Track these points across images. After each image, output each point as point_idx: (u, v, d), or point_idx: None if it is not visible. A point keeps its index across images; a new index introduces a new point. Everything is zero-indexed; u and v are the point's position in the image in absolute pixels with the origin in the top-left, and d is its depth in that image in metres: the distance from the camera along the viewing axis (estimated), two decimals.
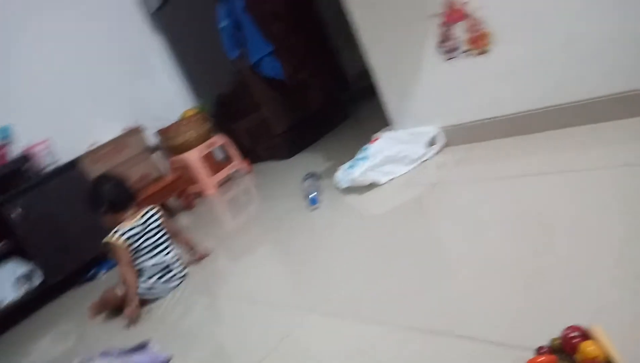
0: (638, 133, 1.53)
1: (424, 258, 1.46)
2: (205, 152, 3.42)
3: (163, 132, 3.39)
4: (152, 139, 3.50)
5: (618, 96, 1.62)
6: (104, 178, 2.19)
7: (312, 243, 1.92)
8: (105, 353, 1.66)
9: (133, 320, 1.90)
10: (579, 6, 1.59)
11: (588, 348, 0.85)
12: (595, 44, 1.61)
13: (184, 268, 2.13)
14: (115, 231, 2.00)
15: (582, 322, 0.92)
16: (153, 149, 3.45)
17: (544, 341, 0.94)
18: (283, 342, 1.36)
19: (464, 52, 1.88)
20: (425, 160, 2.11)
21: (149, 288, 2.01)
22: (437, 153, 2.12)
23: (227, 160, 3.63)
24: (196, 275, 2.12)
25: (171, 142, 3.38)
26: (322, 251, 1.81)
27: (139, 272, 2.02)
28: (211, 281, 2.03)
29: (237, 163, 3.54)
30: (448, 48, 1.92)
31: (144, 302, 2.01)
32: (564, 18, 1.63)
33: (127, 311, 1.92)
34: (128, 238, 1.99)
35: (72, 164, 2.91)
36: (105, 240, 2.00)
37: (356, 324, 1.30)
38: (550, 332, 0.94)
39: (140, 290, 1.99)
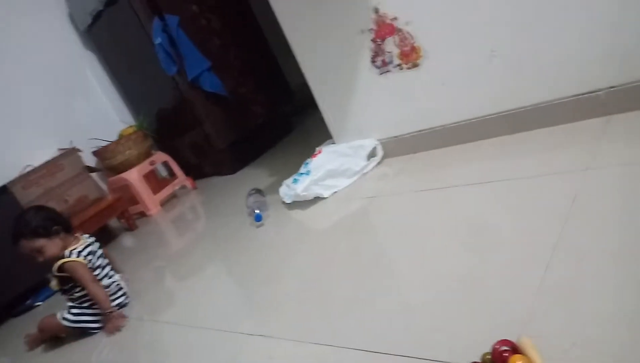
0: (567, 140, 1.60)
1: (365, 274, 1.47)
2: (147, 170, 3.32)
3: (100, 153, 3.27)
4: (89, 159, 3.36)
5: (543, 106, 1.69)
6: (35, 207, 2.08)
7: (257, 262, 1.89)
8: None
9: (118, 329, 1.86)
10: (503, 20, 1.65)
11: (517, 362, 0.87)
12: (518, 57, 1.68)
13: (125, 294, 2.04)
14: (71, 252, 1.89)
15: (513, 333, 0.95)
16: (91, 170, 3.32)
17: (476, 357, 0.96)
18: None
19: (397, 66, 1.92)
20: (366, 172, 2.13)
21: (79, 320, 1.92)
22: (377, 164, 2.15)
23: (171, 177, 3.54)
24: (140, 299, 2.05)
25: (110, 162, 3.27)
26: (268, 269, 1.79)
27: (80, 299, 1.93)
28: (155, 306, 1.96)
29: (181, 180, 3.46)
30: (381, 62, 1.95)
31: (81, 330, 1.93)
32: (489, 32, 1.69)
33: (110, 326, 1.87)
34: (87, 255, 1.92)
35: (3, 190, 2.75)
36: (61, 261, 1.87)
37: (300, 345, 1.28)
38: (482, 347, 0.96)
39: (67, 320, 1.92)
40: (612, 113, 1.58)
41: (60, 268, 1.88)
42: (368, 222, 1.81)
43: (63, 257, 1.88)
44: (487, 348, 0.95)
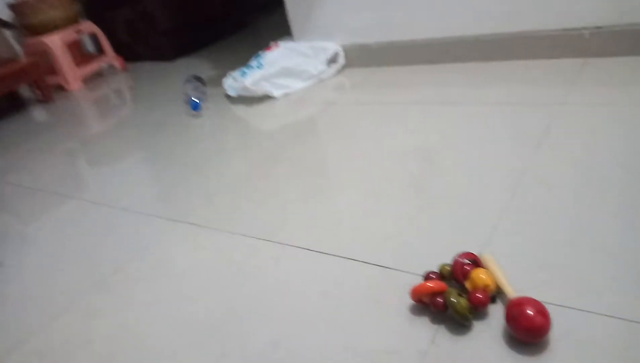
0: (544, 76, 1.52)
1: (310, 179, 1.34)
2: (71, 38, 2.91)
3: (19, 7, 2.80)
4: (2, 12, 2.88)
5: (524, 35, 1.59)
6: None
7: (188, 153, 1.70)
8: None
9: None
10: None
11: (479, 275, 0.80)
12: None
13: None
14: None
15: (473, 251, 0.87)
16: (4, 25, 2.85)
17: (433, 268, 0.87)
18: (147, 251, 1.17)
19: None
20: (324, 79, 1.96)
21: None
22: (337, 72, 1.98)
23: (98, 53, 3.15)
24: (46, 174, 1.80)
25: (29, 19, 2.82)
26: (198, 161, 1.61)
27: None
28: (65, 184, 1.73)
29: (110, 58, 3.08)
30: None
31: None
32: None
33: None
34: None
35: None
36: None
37: (229, 236, 1.15)
38: (439, 259, 0.88)
39: None
40: (593, 55, 1.51)
41: None
42: (317, 129, 1.67)
43: None
44: (446, 260, 0.87)
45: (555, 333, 0.72)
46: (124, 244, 1.24)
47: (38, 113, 2.74)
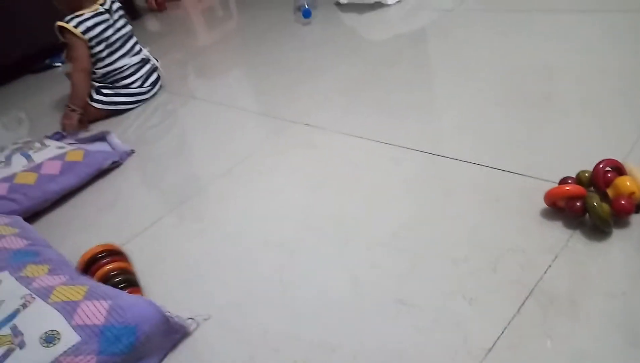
0: None
1: (427, 85, 1.30)
2: None
3: None
4: None
5: None
6: None
7: (299, 59, 1.71)
8: (59, 136, 1.49)
9: (69, 132, 1.53)
10: None
11: (625, 183, 0.75)
12: None
13: (156, 72, 1.76)
14: (73, 18, 1.56)
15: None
16: None
17: (569, 174, 0.83)
18: (262, 146, 1.23)
19: None
20: None
21: (112, 101, 1.65)
22: None
23: None
24: (167, 85, 1.88)
25: None
26: (311, 66, 1.61)
27: (102, 78, 1.65)
28: (184, 86, 1.82)
29: None
30: None
31: (107, 113, 1.66)
32: None
33: (65, 121, 1.57)
34: (89, 29, 1.56)
35: None
36: (59, 23, 1.56)
37: (345, 138, 1.16)
38: (575, 168, 0.83)
39: (99, 102, 1.64)
40: None
41: (61, 31, 1.58)
42: (433, 37, 1.59)
43: (64, 19, 1.57)
44: (583, 167, 0.82)
45: None
46: (244, 140, 1.30)
47: (151, 22, 2.86)
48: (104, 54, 1.62)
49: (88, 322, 0.60)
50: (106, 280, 0.80)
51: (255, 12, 2.39)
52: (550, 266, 0.71)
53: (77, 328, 0.60)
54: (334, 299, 0.76)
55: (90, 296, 0.65)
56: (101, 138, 1.43)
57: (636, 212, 0.75)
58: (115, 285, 0.78)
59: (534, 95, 1.11)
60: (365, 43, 1.69)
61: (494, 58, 1.32)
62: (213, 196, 1.11)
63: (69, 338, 0.59)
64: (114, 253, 0.88)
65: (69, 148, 1.32)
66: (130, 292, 0.79)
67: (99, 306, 0.62)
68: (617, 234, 0.73)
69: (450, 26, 1.59)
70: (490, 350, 0.63)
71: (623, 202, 0.73)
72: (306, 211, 0.97)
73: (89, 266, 0.85)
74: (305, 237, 0.90)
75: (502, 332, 0.64)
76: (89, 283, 0.71)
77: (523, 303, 0.67)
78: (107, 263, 0.84)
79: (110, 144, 1.39)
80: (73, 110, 1.58)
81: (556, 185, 0.81)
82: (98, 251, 0.87)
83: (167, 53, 2.09)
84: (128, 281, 0.83)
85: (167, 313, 0.68)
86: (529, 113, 1.05)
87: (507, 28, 1.45)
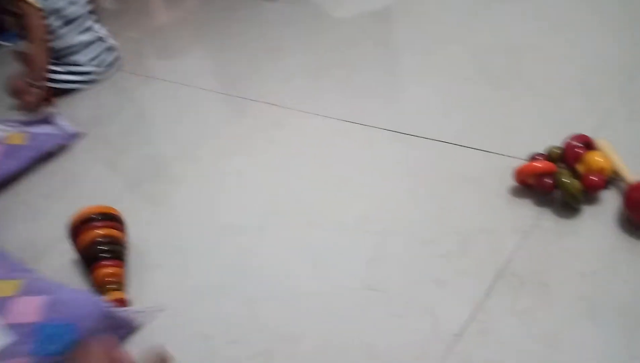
0: None
1: (395, 63, 1.26)
2: None
3: None
4: None
5: None
6: None
7: (261, 37, 1.64)
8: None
9: (30, 110, 1.40)
10: None
11: (595, 158, 0.73)
12: None
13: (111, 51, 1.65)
14: None
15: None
16: None
17: (539, 150, 0.81)
18: (225, 126, 1.17)
19: None
20: None
21: (62, 79, 1.53)
22: None
23: None
24: (123, 65, 1.77)
25: None
26: (274, 45, 1.55)
27: (61, 52, 1.53)
28: (143, 68, 1.72)
29: None
30: None
31: (58, 92, 1.52)
32: None
33: (26, 98, 1.40)
34: None
35: None
36: None
37: (311, 117, 1.12)
38: (545, 144, 0.81)
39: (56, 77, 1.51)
40: None
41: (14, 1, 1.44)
42: (400, 13, 1.54)
43: None
44: (553, 143, 0.80)
45: None
46: (205, 120, 1.24)
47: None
48: (58, 28, 1.51)
49: (22, 320, 0.54)
50: (90, 245, 0.76)
51: None
52: (520, 246, 0.69)
53: (9, 327, 0.54)
54: (299, 286, 0.72)
55: (24, 291, 0.59)
56: (47, 119, 1.33)
57: (606, 188, 0.73)
58: (96, 254, 0.74)
59: (503, 73, 1.09)
60: (331, 21, 1.64)
61: (463, 37, 1.29)
62: (172, 179, 1.05)
63: (0, 338, 0.53)
64: (110, 218, 0.82)
65: (11, 130, 1.23)
66: (112, 265, 0.74)
67: (34, 302, 0.57)
68: (587, 211, 0.72)
69: (416, 3, 1.55)
70: (460, 335, 0.60)
71: (593, 178, 0.71)
72: (270, 194, 0.92)
73: (80, 227, 0.79)
74: (269, 221, 0.86)
75: (472, 316, 0.62)
76: (27, 276, 0.65)
77: (493, 285, 0.65)
78: (98, 227, 0.78)
79: (57, 126, 1.30)
80: (32, 85, 1.41)
81: (526, 162, 0.79)
82: (92, 211, 0.80)
83: (123, 31, 1.98)
84: (113, 252, 0.77)
85: (111, 308, 0.63)
86: (498, 91, 1.03)
87: (477, 6, 1.42)
